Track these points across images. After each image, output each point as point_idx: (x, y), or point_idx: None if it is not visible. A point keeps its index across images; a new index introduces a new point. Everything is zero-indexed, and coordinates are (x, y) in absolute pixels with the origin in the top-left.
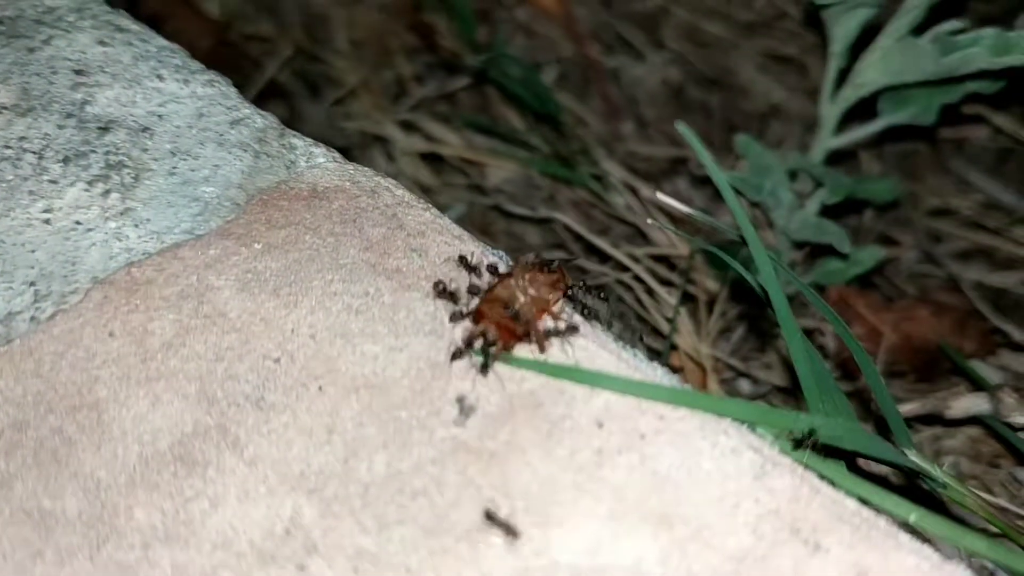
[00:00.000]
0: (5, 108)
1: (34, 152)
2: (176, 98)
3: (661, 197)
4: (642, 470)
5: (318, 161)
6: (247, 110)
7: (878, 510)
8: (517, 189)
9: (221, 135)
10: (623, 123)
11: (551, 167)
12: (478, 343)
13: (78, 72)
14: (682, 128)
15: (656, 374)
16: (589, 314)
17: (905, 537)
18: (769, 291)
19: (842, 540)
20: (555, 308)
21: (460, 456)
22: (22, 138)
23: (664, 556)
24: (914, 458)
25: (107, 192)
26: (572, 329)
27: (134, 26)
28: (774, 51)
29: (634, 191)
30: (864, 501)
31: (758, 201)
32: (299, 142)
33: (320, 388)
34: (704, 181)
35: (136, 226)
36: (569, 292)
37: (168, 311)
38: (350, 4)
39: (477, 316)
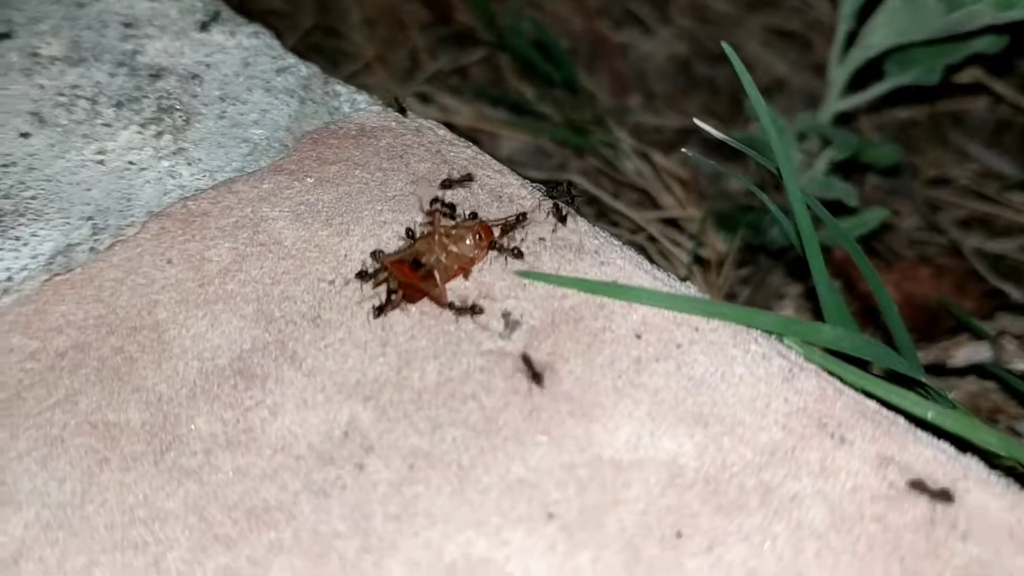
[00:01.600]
0: (57, 59)
1: (87, 98)
2: (223, 48)
3: (699, 123)
4: (678, 376)
5: (360, 107)
6: (292, 59)
7: (897, 410)
8: (529, 158)
9: (268, 82)
10: (632, 96)
11: (563, 135)
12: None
13: (127, 25)
14: (727, 47)
15: (690, 291)
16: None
17: (923, 433)
18: (797, 215)
19: (865, 434)
20: (475, 266)
21: (506, 364)
22: (75, 86)
23: (700, 450)
24: (926, 380)
25: (160, 134)
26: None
27: None
28: (778, 27)
29: (645, 157)
30: (884, 403)
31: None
32: (342, 89)
33: (374, 307)
34: (713, 149)
35: (189, 164)
36: (495, 246)
37: (224, 240)
38: None
39: (384, 269)
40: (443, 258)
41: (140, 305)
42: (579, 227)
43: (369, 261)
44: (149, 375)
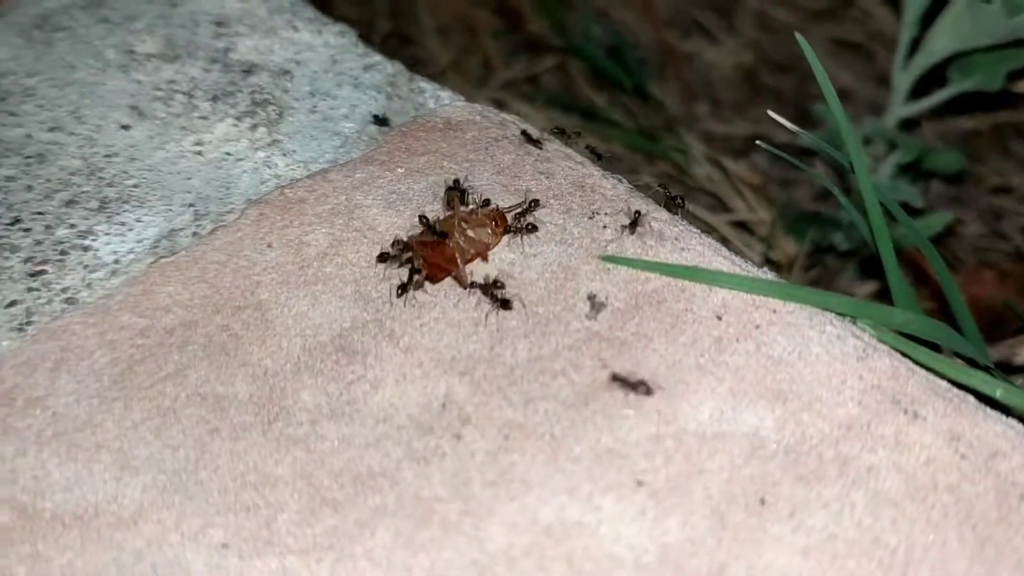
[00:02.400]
0: (152, 56)
1: (183, 92)
2: (310, 46)
3: (773, 115)
4: (758, 355)
5: (444, 103)
6: (378, 57)
7: (967, 389)
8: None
9: (356, 78)
10: (699, 104)
11: (634, 140)
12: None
13: (218, 24)
14: (800, 39)
15: (768, 276)
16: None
17: (992, 411)
18: (870, 208)
19: (937, 410)
20: (490, 249)
21: (593, 343)
22: (171, 81)
23: (780, 424)
24: (992, 365)
25: (255, 126)
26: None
27: None
28: (841, 38)
29: (715, 162)
30: (954, 382)
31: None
32: (427, 85)
33: (464, 288)
34: (780, 157)
35: (284, 155)
36: (510, 230)
37: (321, 225)
38: None
39: (409, 247)
40: (461, 241)
41: (243, 286)
42: (660, 216)
43: (390, 246)
44: (254, 351)
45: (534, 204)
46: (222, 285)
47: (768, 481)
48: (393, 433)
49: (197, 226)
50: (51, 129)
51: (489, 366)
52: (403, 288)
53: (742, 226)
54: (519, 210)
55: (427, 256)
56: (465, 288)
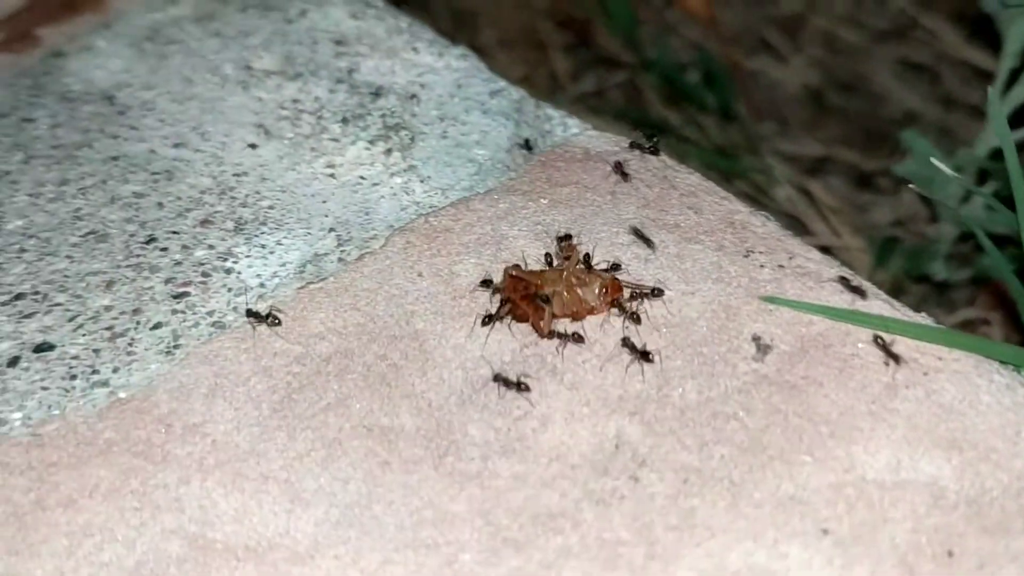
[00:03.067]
0: (272, 73)
1: (310, 112)
2: (433, 69)
3: (936, 163)
4: (928, 403)
5: (572, 131)
6: (502, 82)
7: None
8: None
9: (483, 104)
10: (766, 123)
11: (711, 158)
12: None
13: (338, 43)
14: (990, 93)
15: (928, 321)
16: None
17: None
18: None
19: None
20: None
21: (763, 387)
22: (295, 100)
23: (958, 474)
24: None
25: (388, 151)
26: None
27: (379, 2)
28: (908, 58)
29: (799, 186)
30: None
31: (926, 194)
32: (553, 112)
33: (626, 326)
34: (857, 181)
35: (421, 182)
36: (617, 304)
37: (469, 255)
38: (496, 1)
39: (507, 286)
40: (564, 295)
41: (397, 315)
42: (813, 256)
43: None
44: (416, 382)
45: (656, 292)
46: (375, 314)
47: (953, 532)
48: (568, 472)
49: (342, 252)
50: (175, 145)
51: (659, 407)
52: (489, 318)
53: (825, 250)
54: (636, 290)
55: (514, 294)
56: (543, 338)
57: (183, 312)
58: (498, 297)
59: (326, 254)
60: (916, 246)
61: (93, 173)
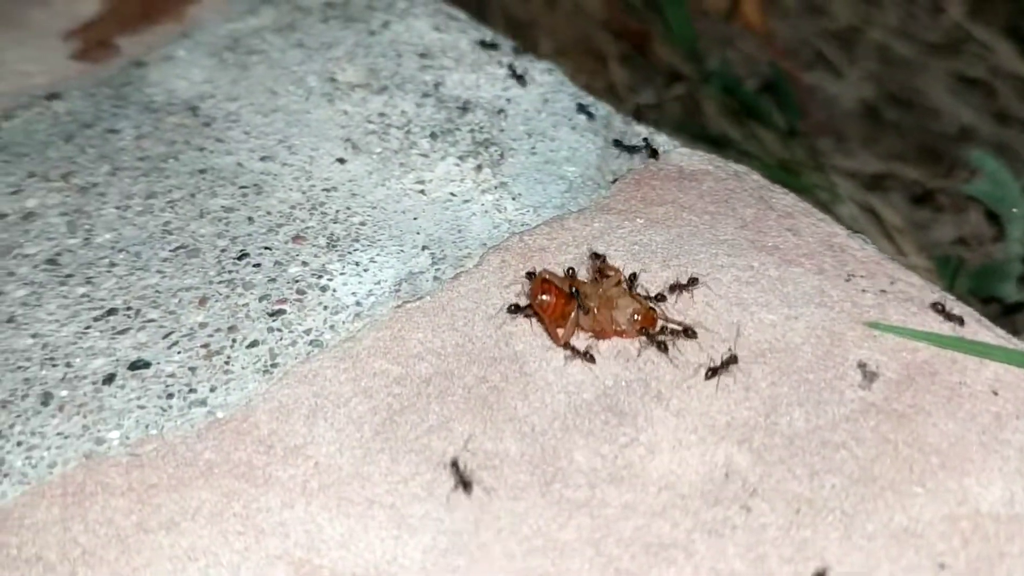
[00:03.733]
0: (357, 86)
1: (398, 127)
2: (518, 83)
3: None
4: None
5: (663, 148)
6: (589, 98)
7: None
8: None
9: (570, 120)
10: (823, 138)
11: (774, 174)
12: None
13: (422, 55)
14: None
15: None
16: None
17: None
18: None
19: None
20: (622, 338)
21: (871, 415)
22: (382, 114)
23: None
24: None
25: (479, 167)
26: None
27: (461, 15)
28: (962, 73)
29: (863, 203)
30: None
31: (997, 214)
32: (643, 129)
33: (729, 349)
34: (918, 198)
35: (513, 199)
36: (646, 334)
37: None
38: (552, 11)
39: (545, 288)
40: (596, 310)
41: (496, 336)
42: (914, 280)
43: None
44: (518, 405)
45: (690, 334)
46: (474, 334)
47: None
48: (678, 502)
49: (437, 270)
50: (263, 158)
51: (767, 435)
52: (516, 308)
53: None
54: (671, 325)
55: (540, 293)
56: (559, 347)
57: (279, 330)
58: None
59: (421, 272)
60: (984, 266)
61: (181, 186)
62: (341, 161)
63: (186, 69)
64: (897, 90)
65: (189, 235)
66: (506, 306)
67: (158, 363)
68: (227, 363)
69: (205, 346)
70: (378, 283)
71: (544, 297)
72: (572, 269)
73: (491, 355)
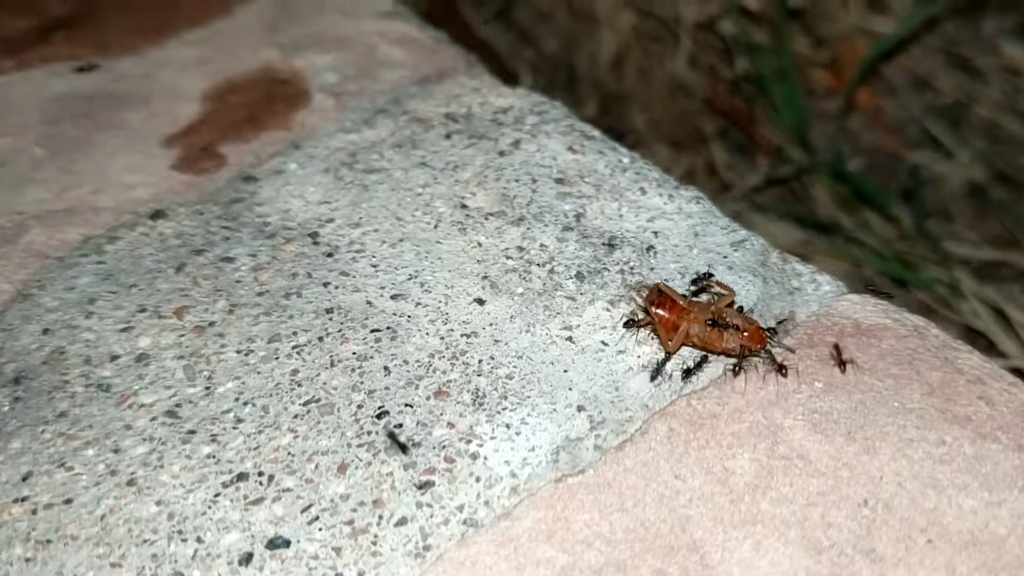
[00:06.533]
0: (490, 215)
1: (540, 264)
2: (664, 214)
3: None
4: None
5: (825, 290)
6: (743, 231)
7: None
8: (847, 287)
9: (725, 256)
10: (929, 221)
11: (891, 267)
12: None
13: (559, 181)
14: None
15: None
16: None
17: None
18: None
19: None
20: (725, 351)
21: None
22: (520, 248)
23: None
24: None
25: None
26: (688, 372)
27: (596, 132)
28: None
29: (985, 299)
30: None
31: None
32: (802, 268)
33: (929, 541)
34: None
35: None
36: (750, 352)
37: (742, 449)
38: (646, 84)
39: (657, 299)
40: (705, 327)
41: (671, 520)
42: None
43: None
44: None
45: (782, 371)
46: (646, 517)
47: None
48: None
49: (597, 436)
50: (394, 297)
51: None
52: (632, 322)
53: (1019, 374)
54: (774, 347)
55: (659, 303)
56: (668, 352)
57: (429, 506)
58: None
59: (579, 439)
60: None
61: (307, 328)
62: (480, 302)
63: (300, 186)
64: (1006, 168)
65: (320, 387)
66: (623, 322)
67: (298, 541)
68: (374, 544)
69: (349, 523)
70: (532, 450)
71: (659, 312)
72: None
73: (667, 543)
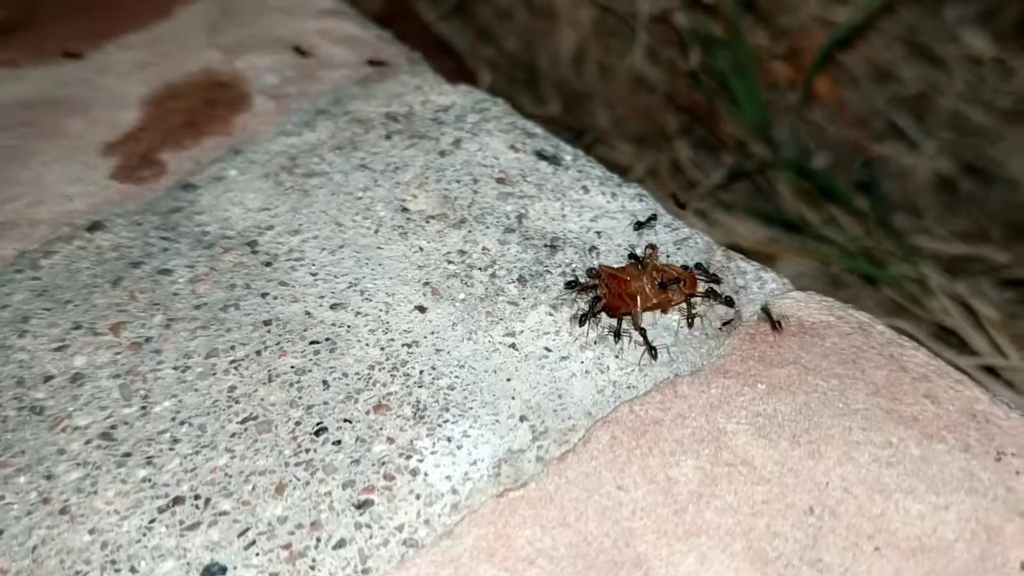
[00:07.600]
0: (431, 217)
1: (481, 268)
2: (607, 213)
3: None
4: None
5: (771, 288)
6: (686, 229)
7: None
8: (815, 285)
9: (668, 256)
10: (897, 216)
11: (858, 264)
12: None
13: (500, 181)
14: None
15: None
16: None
17: None
18: None
19: None
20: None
21: None
22: (462, 252)
23: None
24: None
25: (575, 317)
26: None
27: (538, 130)
28: None
29: (955, 296)
30: None
31: None
32: (747, 266)
33: (876, 549)
34: (1004, 282)
35: (616, 356)
36: (689, 298)
37: (685, 456)
38: (608, 81)
39: (599, 275)
40: (647, 288)
41: (614, 534)
42: None
43: (584, 275)
44: None
45: (728, 301)
46: (589, 532)
47: None
48: None
49: (539, 448)
50: (333, 306)
51: None
52: (584, 318)
53: (990, 372)
54: (708, 289)
55: (613, 287)
56: (636, 330)
57: (368, 527)
58: (588, 295)
59: (522, 451)
60: None
61: (245, 341)
62: (421, 309)
63: (240, 193)
64: (972, 160)
65: (258, 403)
66: (574, 319)
67: (235, 568)
68: (312, 568)
69: (287, 547)
70: (474, 464)
71: (611, 284)
72: (633, 255)
73: (610, 558)
